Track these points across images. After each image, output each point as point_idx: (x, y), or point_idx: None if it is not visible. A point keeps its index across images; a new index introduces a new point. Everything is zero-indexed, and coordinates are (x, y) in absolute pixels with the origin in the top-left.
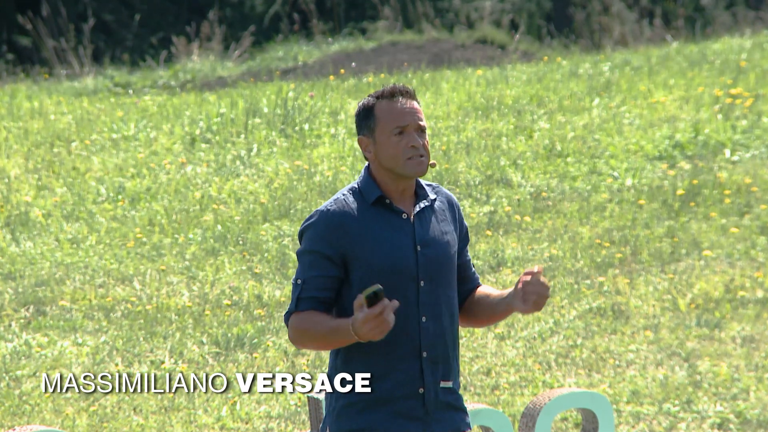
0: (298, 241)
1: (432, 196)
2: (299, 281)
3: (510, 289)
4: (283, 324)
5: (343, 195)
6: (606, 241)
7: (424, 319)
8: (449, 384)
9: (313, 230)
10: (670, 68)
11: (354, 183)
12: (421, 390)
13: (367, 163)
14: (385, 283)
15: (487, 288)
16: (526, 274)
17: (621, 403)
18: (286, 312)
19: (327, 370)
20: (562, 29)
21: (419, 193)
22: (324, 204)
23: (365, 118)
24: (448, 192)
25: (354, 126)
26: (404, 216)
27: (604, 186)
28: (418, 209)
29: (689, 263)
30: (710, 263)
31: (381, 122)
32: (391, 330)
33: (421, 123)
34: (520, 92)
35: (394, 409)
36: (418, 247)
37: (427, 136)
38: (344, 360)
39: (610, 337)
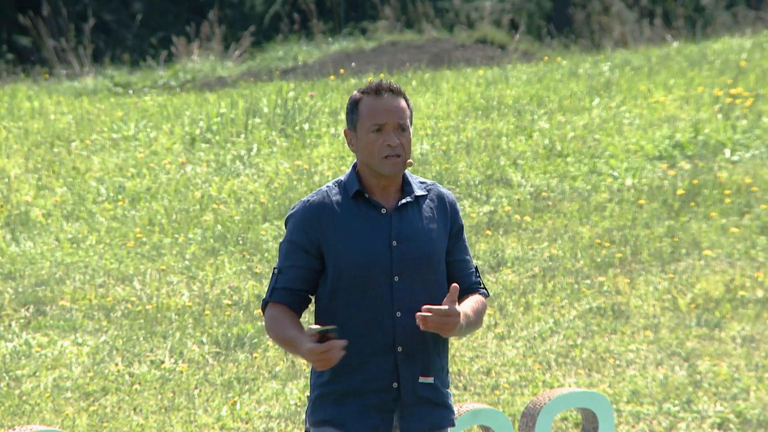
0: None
1: (420, 192)
2: (276, 270)
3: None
4: None
5: (328, 187)
6: (606, 241)
7: (398, 314)
8: (429, 380)
9: (293, 220)
10: (670, 68)
11: (342, 176)
12: (395, 384)
13: None
14: (357, 277)
15: (470, 300)
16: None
17: (621, 402)
18: (263, 300)
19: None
20: (562, 29)
21: (405, 189)
22: (309, 195)
23: (350, 111)
24: (444, 190)
25: None
26: (383, 211)
27: (604, 186)
28: (398, 204)
29: (689, 263)
30: (710, 263)
31: (362, 118)
32: (364, 324)
33: (401, 122)
34: (520, 92)
35: (364, 402)
36: (394, 242)
37: (409, 135)
38: None
39: (610, 337)
